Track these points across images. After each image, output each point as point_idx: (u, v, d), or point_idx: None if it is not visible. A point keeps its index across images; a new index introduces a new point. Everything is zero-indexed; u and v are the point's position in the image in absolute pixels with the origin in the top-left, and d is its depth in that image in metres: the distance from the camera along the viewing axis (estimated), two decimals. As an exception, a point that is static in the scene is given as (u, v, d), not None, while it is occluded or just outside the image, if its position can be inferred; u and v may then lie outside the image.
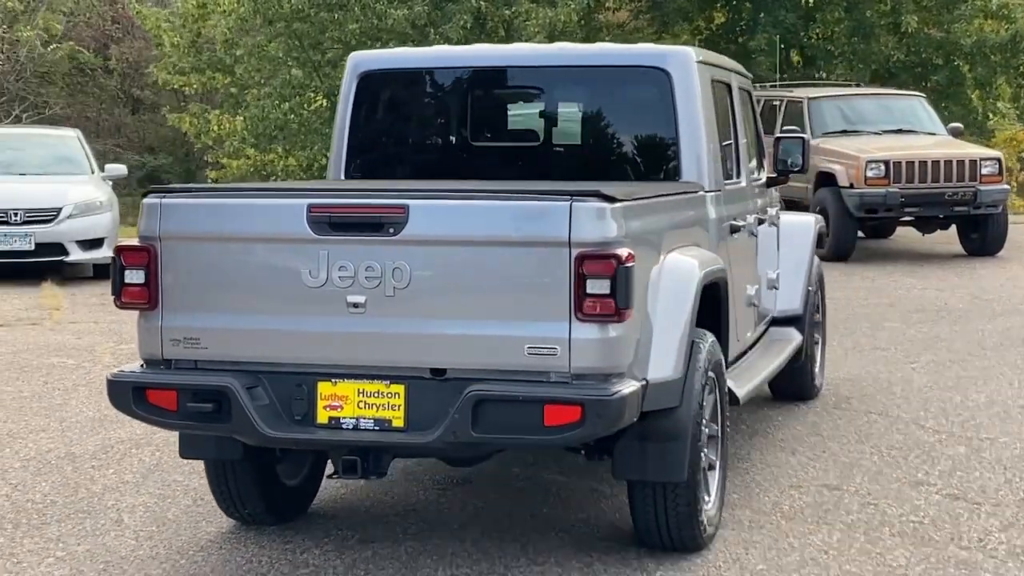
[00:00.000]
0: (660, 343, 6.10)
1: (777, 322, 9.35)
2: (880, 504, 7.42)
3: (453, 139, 7.66)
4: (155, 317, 6.04)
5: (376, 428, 5.87)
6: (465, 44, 25.66)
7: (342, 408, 5.89)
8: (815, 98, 20.19)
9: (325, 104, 27.32)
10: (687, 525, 6.38)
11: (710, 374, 6.50)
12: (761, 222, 8.26)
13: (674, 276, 6.23)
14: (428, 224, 5.79)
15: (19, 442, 8.85)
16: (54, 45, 30.40)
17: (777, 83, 22.64)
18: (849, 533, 6.96)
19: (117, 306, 6.15)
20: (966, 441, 8.75)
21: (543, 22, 25.35)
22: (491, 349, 5.74)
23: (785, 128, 17.12)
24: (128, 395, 5.98)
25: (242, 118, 28.11)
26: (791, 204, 19.65)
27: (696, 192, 7.06)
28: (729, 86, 8.00)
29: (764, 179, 8.88)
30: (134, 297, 6.03)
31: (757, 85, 22.41)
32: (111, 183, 17.97)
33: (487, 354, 5.75)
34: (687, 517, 6.34)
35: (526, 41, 24.59)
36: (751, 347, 8.54)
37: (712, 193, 7.19)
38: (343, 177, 7.57)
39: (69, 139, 18.64)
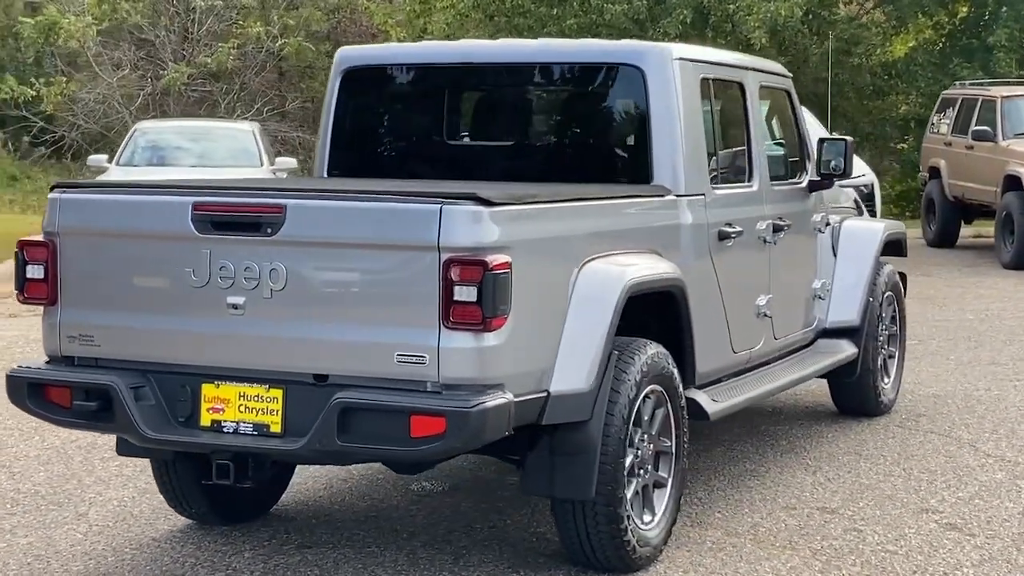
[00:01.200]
0: (568, 353, 5.82)
1: (829, 333, 8.83)
2: (865, 531, 6.97)
3: (431, 138, 7.44)
4: (54, 313, 6.02)
5: (255, 433, 5.73)
6: (684, 41, 25.37)
7: (224, 411, 5.77)
8: (1009, 97, 19.15)
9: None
10: (610, 545, 6.07)
11: (651, 387, 6.16)
12: (779, 228, 7.77)
13: (590, 284, 5.92)
14: (304, 225, 5.63)
15: (47, 430, 8.88)
16: (281, 41, 30.95)
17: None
18: (809, 560, 6.56)
19: (19, 301, 6.14)
20: (1010, 467, 8.15)
21: (763, 17, 24.67)
22: (365, 355, 5.56)
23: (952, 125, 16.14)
24: (23, 391, 5.95)
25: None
26: (977, 209, 18.87)
27: (656, 196, 6.67)
28: (741, 85, 7.57)
29: (805, 183, 8.38)
30: (35, 292, 6.02)
31: (988, 82, 21.56)
32: (283, 175, 18.20)
33: (362, 361, 5.56)
34: (608, 537, 6.04)
35: (746, 37, 24.11)
36: (781, 357, 8.10)
37: (689, 198, 6.80)
38: (325, 175, 7.44)
39: (246, 133, 18.97)
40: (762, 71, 7.95)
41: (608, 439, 5.95)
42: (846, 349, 8.85)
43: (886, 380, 9.48)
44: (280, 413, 5.69)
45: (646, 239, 6.51)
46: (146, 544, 6.79)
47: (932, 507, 7.38)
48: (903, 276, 9.91)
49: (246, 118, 28.00)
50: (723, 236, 7.11)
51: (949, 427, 9.12)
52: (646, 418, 6.27)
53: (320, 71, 31.84)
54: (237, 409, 5.76)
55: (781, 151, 8.53)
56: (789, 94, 8.39)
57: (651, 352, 6.21)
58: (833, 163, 8.35)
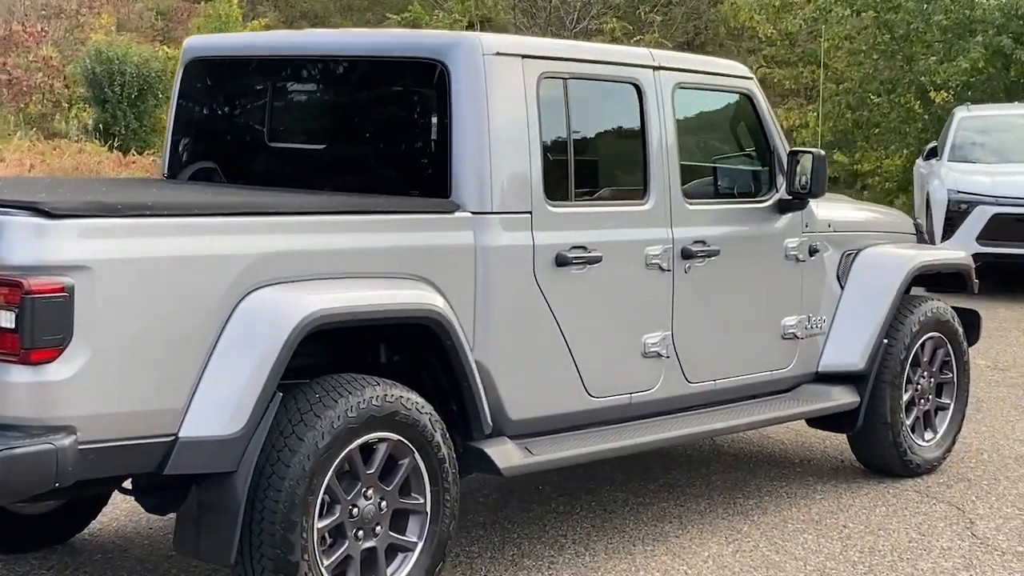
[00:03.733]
0: (210, 394, 5.01)
1: (826, 378, 7.58)
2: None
3: (254, 138, 6.68)
4: None
5: None
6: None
7: None
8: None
9: (917, 104, 25.52)
10: None
11: (377, 435, 5.33)
12: (695, 254, 6.65)
13: (252, 315, 5.10)
14: None
15: None
16: (638, 36, 30.32)
17: None
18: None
19: None
20: (1003, 556, 6.72)
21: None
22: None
23: None
24: None
25: (815, 114, 26.86)
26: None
27: (427, 213, 5.76)
28: (636, 85, 6.50)
29: (771, 202, 7.19)
30: None
31: None
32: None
33: None
34: None
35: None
36: (717, 403, 6.98)
37: (499, 216, 5.85)
38: (166, 176, 6.83)
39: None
40: (682, 69, 6.77)
41: (268, 495, 5.09)
42: (839, 398, 7.56)
43: (925, 436, 8.06)
44: None
45: (404, 263, 5.58)
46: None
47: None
48: (975, 315, 8.41)
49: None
50: (564, 261, 6.05)
51: (976, 499, 7.62)
52: (370, 471, 5.35)
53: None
54: None
55: (732, 164, 7.32)
56: (751, 98, 7.16)
57: (374, 394, 5.29)
58: (803, 180, 7.06)
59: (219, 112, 6.74)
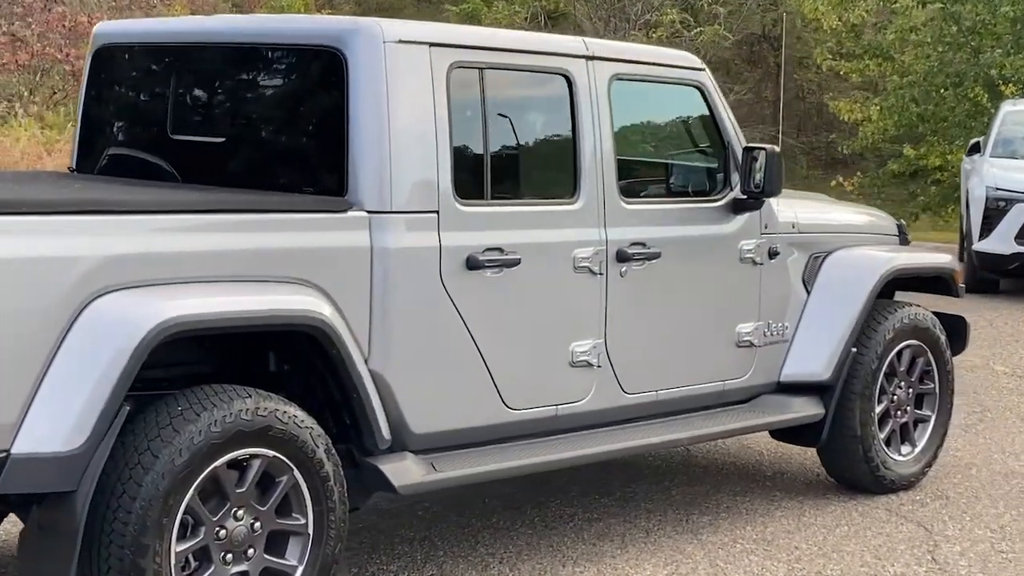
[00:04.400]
0: (46, 408, 4.69)
1: (790, 388, 7.15)
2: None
3: (159, 130, 6.33)
4: None
5: None
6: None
7: None
8: None
9: (984, 97, 24.83)
10: None
11: (249, 451, 5.00)
12: (633, 257, 6.25)
13: (97, 323, 4.76)
14: None
15: None
16: (698, 29, 29.78)
17: None
18: None
19: None
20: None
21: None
22: None
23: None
24: None
25: (877, 107, 26.25)
26: None
27: (312, 213, 5.40)
28: (566, 76, 6.10)
29: (724, 201, 6.77)
30: None
31: None
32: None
33: None
34: None
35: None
36: (659, 415, 6.59)
37: (401, 216, 5.49)
38: (73, 169, 6.50)
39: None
40: (621, 60, 6.36)
41: (118, 516, 4.76)
42: (801, 409, 7.12)
43: (901, 450, 7.60)
44: None
45: (286, 266, 5.23)
46: None
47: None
48: (960, 322, 7.93)
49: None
50: (477, 264, 5.67)
51: (945, 521, 7.15)
52: (241, 490, 5.01)
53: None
54: None
55: (680, 161, 6.90)
56: (702, 91, 6.73)
57: (243, 407, 4.95)
58: (756, 178, 6.63)
59: (126, 102, 6.43)
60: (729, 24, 31.78)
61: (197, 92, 6.18)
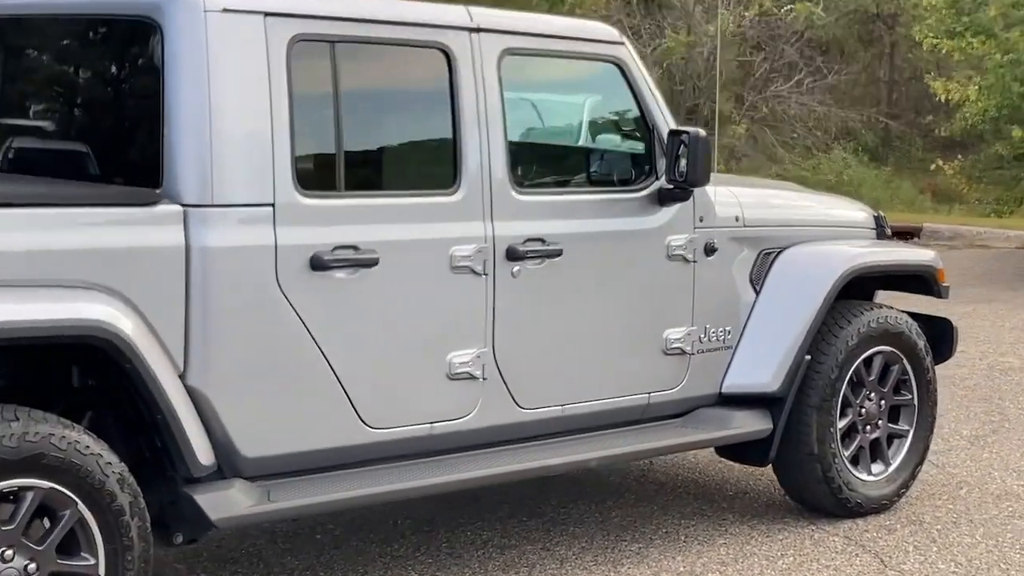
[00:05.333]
0: None
1: (733, 401, 6.38)
2: None
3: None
4: None
5: None
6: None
7: None
8: None
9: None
10: None
11: (24, 482, 4.42)
12: (528, 255, 5.53)
13: None
14: None
15: None
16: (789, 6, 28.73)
17: None
18: None
19: None
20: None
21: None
22: None
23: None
24: None
25: (976, 87, 25.04)
26: None
27: (110, 206, 4.74)
28: (445, 51, 5.39)
29: (649, 191, 6.02)
30: None
31: None
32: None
33: None
34: None
35: None
36: (564, 433, 5.87)
37: (215, 210, 4.81)
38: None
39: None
40: (514, 32, 5.62)
41: None
42: (743, 425, 6.34)
43: (872, 470, 6.80)
44: None
45: (74, 267, 4.57)
46: None
47: None
48: (946, 326, 7.09)
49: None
50: (323, 265, 4.98)
51: (907, 551, 6.33)
52: (10, 527, 4.43)
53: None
54: None
55: (595, 147, 6.15)
56: (621, 67, 5.97)
57: (7, 432, 4.36)
58: (681, 166, 5.87)
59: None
60: (833, 2, 30.68)
61: (8, 69, 5.51)
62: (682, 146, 5.86)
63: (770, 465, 6.68)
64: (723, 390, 6.39)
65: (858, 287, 6.86)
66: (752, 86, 30.26)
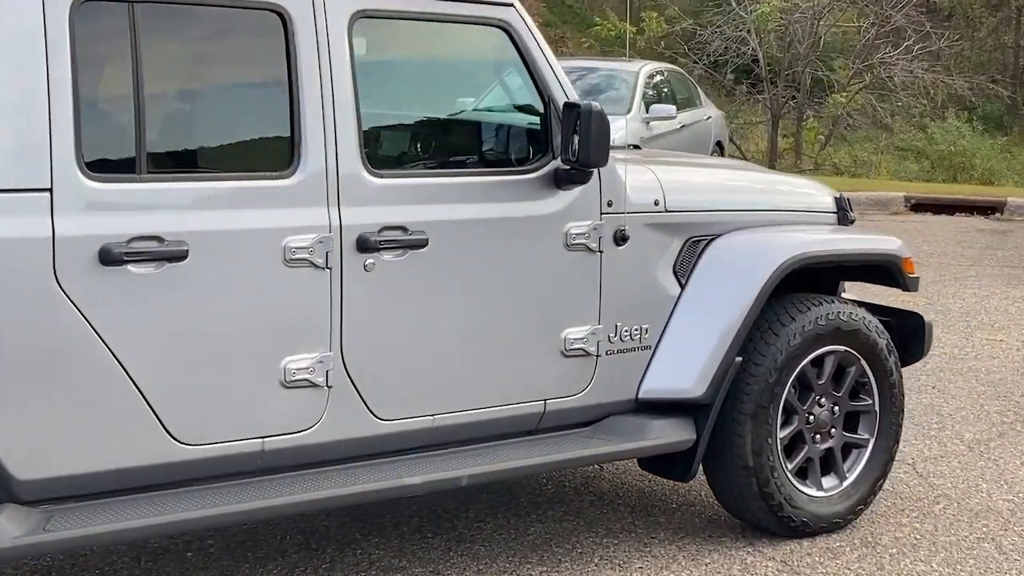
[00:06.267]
0: None
1: (651, 408, 5.65)
2: None
3: None
4: None
5: None
6: None
7: None
8: None
9: None
10: None
11: None
12: (383, 246, 4.85)
13: None
14: None
15: None
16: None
17: None
18: None
19: None
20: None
21: None
22: None
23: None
24: None
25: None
26: None
27: None
28: (281, 13, 4.73)
29: (543, 172, 5.31)
30: None
31: None
32: (650, 123, 15.58)
33: None
34: None
35: None
36: (439, 445, 5.21)
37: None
38: None
39: (628, 73, 16.43)
40: None
41: None
42: (660, 435, 5.62)
43: (823, 484, 6.03)
44: None
45: None
46: None
47: None
48: (919, 321, 6.29)
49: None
50: (116, 259, 4.35)
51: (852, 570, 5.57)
52: None
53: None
54: None
55: (470, 122, 5.43)
56: (509, 32, 5.24)
57: None
58: (574, 143, 5.14)
59: None
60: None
61: None
62: (575, 122, 5.10)
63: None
64: (640, 396, 5.64)
65: (816, 280, 6.07)
66: (858, 54, 29.10)
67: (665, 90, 16.69)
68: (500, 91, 5.51)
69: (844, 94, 27.52)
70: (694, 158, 8.00)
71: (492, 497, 6.40)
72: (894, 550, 5.88)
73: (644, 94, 15.98)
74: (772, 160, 26.65)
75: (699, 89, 18.19)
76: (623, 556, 5.77)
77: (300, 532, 5.95)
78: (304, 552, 5.74)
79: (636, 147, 6.76)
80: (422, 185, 5.07)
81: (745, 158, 27.18)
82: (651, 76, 16.76)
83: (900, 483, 6.68)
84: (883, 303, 6.55)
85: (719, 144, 17.79)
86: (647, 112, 15.70)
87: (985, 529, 6.13)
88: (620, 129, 15.10)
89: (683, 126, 16.23)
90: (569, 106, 5.18)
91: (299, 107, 4.74)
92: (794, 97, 27.81)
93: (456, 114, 5.59)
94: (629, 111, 15.56)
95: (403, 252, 4.94)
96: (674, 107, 16.09)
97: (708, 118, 17.38)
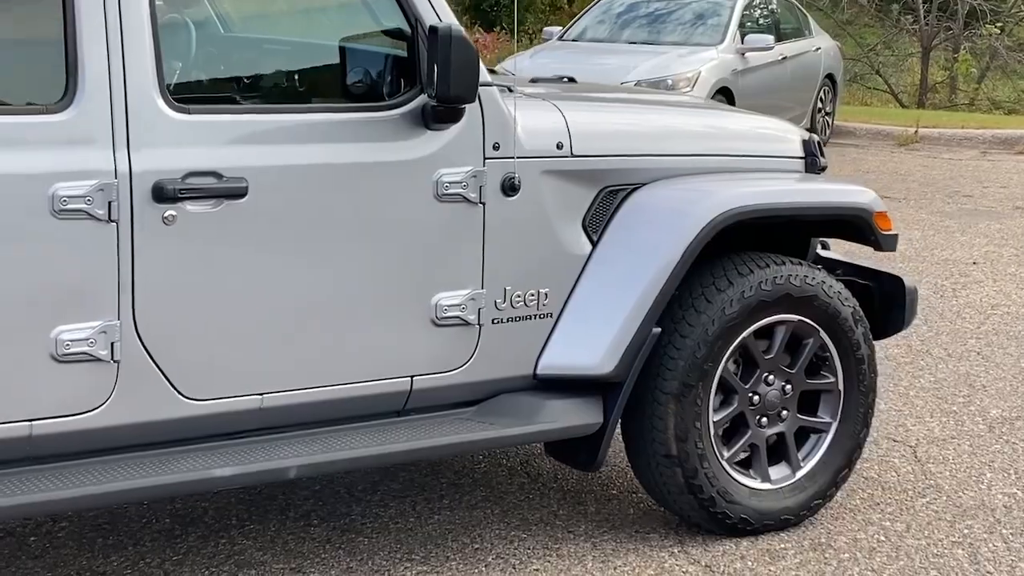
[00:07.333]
0: None
1: (552, 385, 4.82)
2: None
3: None
4: None
5: None
6: None
7: None
8: None
9: None
10: None
11: None
12: (186, 193, 4.09)
13: None
14: None
15: None
16: None
17: None
18: None
19: None
20: None
21: None
22: None
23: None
24: None
25: None
26: None
27: None
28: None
29: (408, 109, 4.49)
30: None
31: None
32: (745, 55, 14.53)
33: None
34: None
35: None
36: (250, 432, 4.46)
37: None
38: None
39: (722, 5, 15.35)
40: None
41: None
42: (557, 419, 4.79)
43: (771, 475, 5.15)
44: None
45: None
46: None
47: None
48: (896, 285, 5.34)
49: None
50: None
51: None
52: None
53: None
54: None
55: (315, 47, 4.61)
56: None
57: None
58: (435, 79, 4.31)
59: None
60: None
61: None
62: (439, 49, 4.25)
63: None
64: (538, 372, 4.80)
65: (780, 239, 5.16)
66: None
67: (765, 20, 15.56)
68: (356, 8, 4.65)
69: (1000, 24, 25.92)
70: (628, 94, 7.03)
71: (412, 475, 5.64)
72: (846, 555, 4.97)
73: (742, 23, 14.89)
74: (922, 95, 25.25)
75: (809, 18, 16.97)
76: (524, 554, 4.96)
77: (170, 515, 5.24)
78: (161, 540, 5.03)
79: (572, 80, 5.81)
80: (242, 123, 4.27)
81: (894, 93, 25.78)
82: (751, 2, 15.64)
83: (890, 470, 5.74)
84: (875, 265, 5.56)
85: (830, 77, 16.60)
86: (742, 43, 14.61)
87: (966, 531, 5.19)
88: (709, 60, 14.09)
89: (784, 58, 15.11)
90: (432, 30, 4.32)
91: (75, 23, 3.96)
92: (948, 27, 26.32)
93: (293, 36, 4.74)
94: (722, 41, 14.49)
95: (217, 202, 4.16)
96: (772, 37, 14.96)
97: (817, 49, 16.20)
